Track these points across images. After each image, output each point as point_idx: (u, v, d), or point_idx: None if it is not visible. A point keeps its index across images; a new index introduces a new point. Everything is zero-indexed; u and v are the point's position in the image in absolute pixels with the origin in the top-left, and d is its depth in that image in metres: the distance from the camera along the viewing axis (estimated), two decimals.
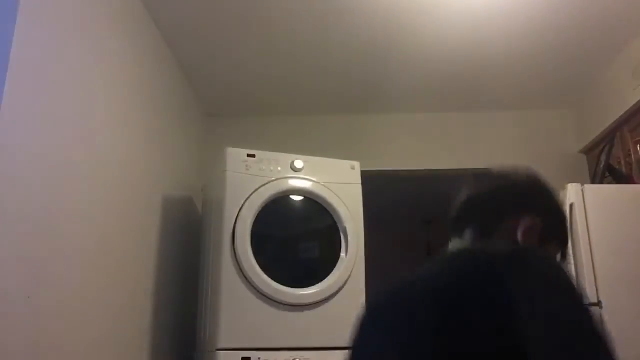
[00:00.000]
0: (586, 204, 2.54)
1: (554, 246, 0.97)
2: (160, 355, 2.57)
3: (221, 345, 2.17)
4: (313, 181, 2.49)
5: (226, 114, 3.61)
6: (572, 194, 2.56)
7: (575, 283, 0.74)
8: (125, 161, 2.23)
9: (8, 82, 1.45)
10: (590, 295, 2.41)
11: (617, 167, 2.92)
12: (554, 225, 0.98)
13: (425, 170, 3.54)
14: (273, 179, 2.44)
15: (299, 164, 2.50)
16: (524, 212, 0.96)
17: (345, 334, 2.51)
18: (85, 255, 1.87)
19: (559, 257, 0.97)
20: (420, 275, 0.84)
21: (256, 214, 2.37)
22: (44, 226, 1.62)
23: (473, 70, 3.07)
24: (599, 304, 2.40)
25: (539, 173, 1.10)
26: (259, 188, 2.40)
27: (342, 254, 2.44)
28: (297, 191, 2.47)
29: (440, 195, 5.66)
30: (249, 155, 2.45)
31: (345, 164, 2.60)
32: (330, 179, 2.53)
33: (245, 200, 2.36)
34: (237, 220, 2.32)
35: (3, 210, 1.43)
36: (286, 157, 2.51)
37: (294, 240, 2.51)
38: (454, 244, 0.97)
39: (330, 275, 2.38)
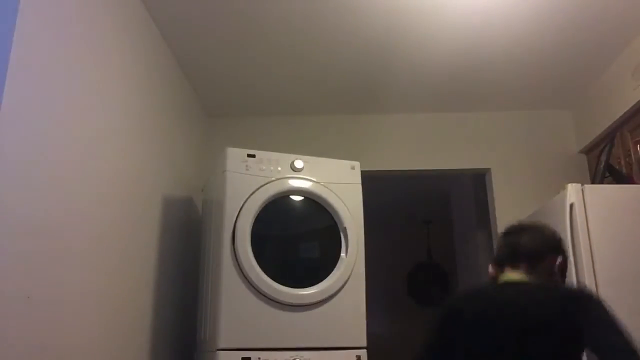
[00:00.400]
0: (586, 204, 2.54)
1: (566, 271, 1.60)
2: (160, 355, 2.58)
3: (221, 345, 2.18)
4: (313, 181, 2.49)
5: (226, 114, 3.61)
6: (572, 194, 2.56)
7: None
8: (125, 161, 2.23)
9: (8, 82, 1.45)
10: None
11: (617, 167, 2.92)
12: (566, 260, 1.60)
13: (425, 170, 3.54)
14: (273, 179, 2.44)
15: (299, 164, 2.50)
16: (556, 253, 1.58)
17: (345, 334, 2.52)
18: (85, 255, 1.87)
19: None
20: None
21: (256, 214, 2.37)
22: (43, 226, 1.62)
23: (473, 71, 3.07)
24: None
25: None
26: (259, 188, 2.40)
27: (342, 254, 2.44)
28: (297, 191, 2.47)
29: (440, 195, 5.70)
30: (249, 155, 2.45)
31: (345, 164, 2.61)
32: (330, 179, 2.53)
33: (245, 200, 2.36)
34: (237, 220, 2.32)
35: (3, 210, 1.43)
36: (286, 157, 2.51)
37: (294, 240, 2.51)
38: (510, 273, 1.57)
39: (330, 275, 2.38)
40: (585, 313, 1.39)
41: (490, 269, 1.66)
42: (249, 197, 2.37)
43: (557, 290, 1.51)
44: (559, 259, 1.56)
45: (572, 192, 2.56)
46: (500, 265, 1.60)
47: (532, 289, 1.51)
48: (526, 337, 1.40)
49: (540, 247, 1.57)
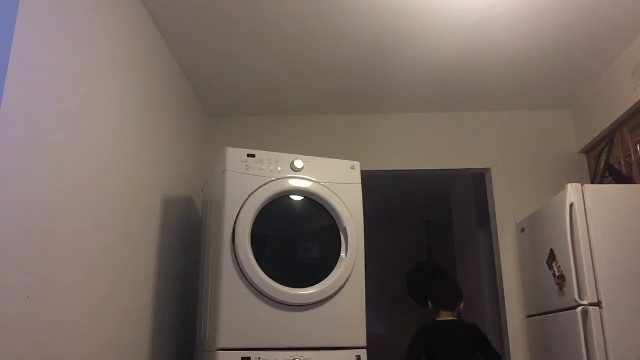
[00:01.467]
0: (586, 204, 2.54)
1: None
2: (160, 355, 2.58)
3: (221, 345, 2.18)
4: (313, 181, 2.49)
5: (226, 115, 3.61)
6: (572, 194, 2.56)
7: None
8: (125, 161, 2.24)
9: (8, 82, 1.45)
10: (590, 295, 2.41)
11: (617, 167, 2.92)
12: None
13: (425, 170, 3.54)
14: (273, 179, 2.44)
15: (299, 164, 2.50)
16: (462, 300, 2.96)
17: (345, 334, 2.52)
18: (84, 255, 1.87)
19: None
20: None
21: (256, 214, 2.37)
22: (44, 226, 1.62)
23: (473, 71, 3.07)
24: (599, 304, 2.40)
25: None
26: (259, 188, 2.40)
27: (342, 254, 2.44)
28: (297, 191, 2.47)
29: (440, 195, 5.70)
30: (249, 155, 2.45)
31: (345, 164, 2.61)
32: (330, 179, 2.53)
33: (245, 200, 2.36)
34: (237, 220, 2.32)
35: (3, 210, 1.44)
36: (286, 157, 2.51)
37: (294, 240, 2.51)
38: (444, 314, 2.91)
39: (330, 275, 2.38)
40: (482, 337, 2.85)
41: (431, 306, 2.98)
42: (249, 197, 2.37)
43: (469, 325, 2.90)
44: (462, 303, 2.96)
45: (572, 192, 2.57)
46: (437, 308, 2.93)
47: (459, 325, 2.89)
48: (461, 347, 2.81)
49: (458, 300, 2.93)
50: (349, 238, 2.45)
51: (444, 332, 2.88)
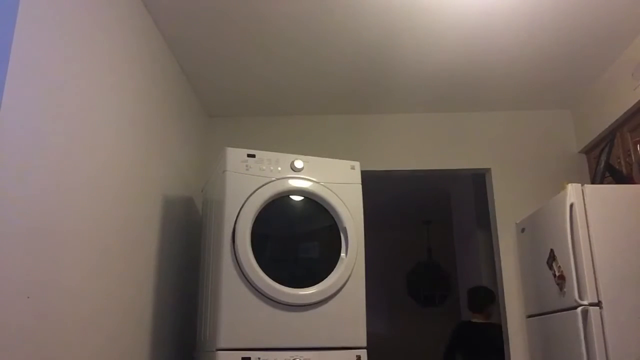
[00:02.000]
0: (586, 204, 2.54)
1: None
2: (160, 355, 2.58)
3: (221, 345, 2.18)
4: (313, 181, 2.49)
5: (226, 115, 3.61)
6: (572, 194, 2.56)
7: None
8: (125, 161, 2.24)
9: (8, 83, 1.45)
10: (590, 295, 2.41)
11: (617, 167, 2.92)
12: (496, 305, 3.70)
13: (425, 170, 3.54)
14: (273, 179, 2.44)
15: (299, 164, 2.50)
16: (493, 303, 3.67)
17: (345, 334, 2.52)
18: (85, 255, 1.87)
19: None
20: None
21: (256, 214, 2.37)
22: (44, 226, 1.62)
23: (473, 70, 3.07)
24: (599, 304, 2.40)
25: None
26: (259, 188, 2.40)
27: (342, 254, 2.44)
28: (297, 191, 2.47)
29: (440, 195, 5.69)
30: (249, 155, 2.45)
31: (345, 164, 2.60)
32: (330, 179, 2.53)
33: (245, 200, 2.36)
34: (237, 220, 2.32)
35: (4, 211, 1.44)
36: (286, 157, 2.51)
37: (294, 240, 2.51)
38: (477, 315, 3.74)
39: (330, 275, 2.38)
40: (491, 339, 3.43)
41: (468, 308, 3.78)
42: (249, 197, 2.37)
43: (496, 326, 3.38)
44: (493, 306, 3.53)
45: (572, 192, 2.57)
46: (472, 310, 3.73)
47: (488, 326, 3.56)
48: (487, 346, 3.43)
49: (490, 303, 3.62)
50: (349, 238, 2.45)
51: (467, 333, 3.72)
